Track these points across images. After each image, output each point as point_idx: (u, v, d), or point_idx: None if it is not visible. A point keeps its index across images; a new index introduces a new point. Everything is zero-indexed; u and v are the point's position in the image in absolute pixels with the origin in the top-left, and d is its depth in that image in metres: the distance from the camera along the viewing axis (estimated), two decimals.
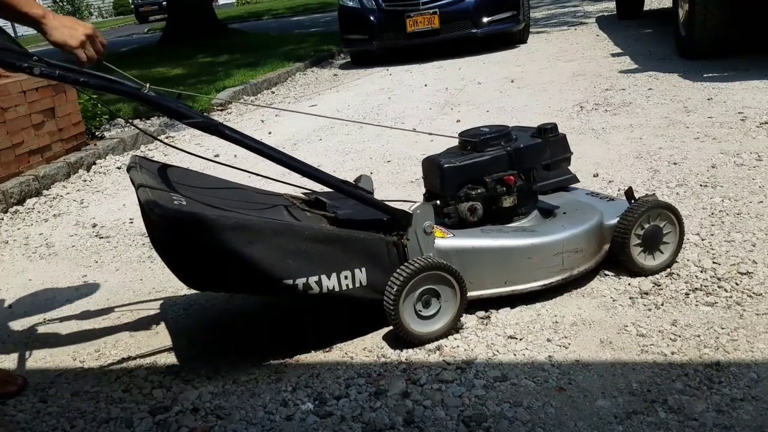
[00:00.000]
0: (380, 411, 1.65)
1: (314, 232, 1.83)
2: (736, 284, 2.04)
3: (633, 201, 2.17)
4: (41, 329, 2.32)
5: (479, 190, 2.08)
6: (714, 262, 2.18)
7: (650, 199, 2.17)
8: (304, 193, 2.25)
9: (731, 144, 3.32)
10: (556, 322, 1.97)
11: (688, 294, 2.03)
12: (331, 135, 4.66)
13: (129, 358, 2.05)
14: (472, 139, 2.15)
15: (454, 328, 1.94)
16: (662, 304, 1.99)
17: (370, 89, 6.35)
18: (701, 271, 2.14)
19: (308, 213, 2.09)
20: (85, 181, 4.25)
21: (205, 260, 1.74)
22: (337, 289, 1.84)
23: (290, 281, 1.78)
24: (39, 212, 3.70)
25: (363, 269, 1.87)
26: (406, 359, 1.87)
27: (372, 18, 7.70)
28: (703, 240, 2.35)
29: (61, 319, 2.38)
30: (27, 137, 4.14)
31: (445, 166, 2.08)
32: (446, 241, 1.98)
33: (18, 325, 2.38)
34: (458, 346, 1.89)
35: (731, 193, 2.72)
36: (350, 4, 8.02)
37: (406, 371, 1.80)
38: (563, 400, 1.62)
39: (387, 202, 2.01)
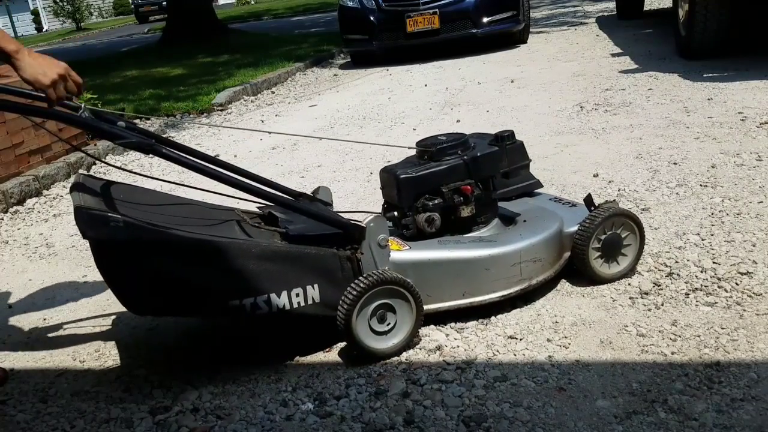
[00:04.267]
0: (380, 411, 1.65)
1: (262, 250, 1.78)
2: (736, 284, 2.04)
3: (593, 208, 2.13)
4: (41, 329, 2.32)
5: (436, 201, 2.05)
6: (714, 262, 2.18)
7: (610, 207, 2.12)
8: (258, 207, 2.20)
9: (731, 144, 3.32)
10: (556, 322, 1.97)
11: (688, 294, 2.03)
12: (332, 135, 4.65)
13: (129, 358, 2.05)
14: (428, 149, 2.11)
15: (412, 342, 1.90)
16: (662, 304, 1.99)
17: (370, 89, 6.35)
18: (701, 271, 2.14)
19: (260, 229, 2.02)
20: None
21: (143, 283, 1.70)
22: (287, 307, 1.80)
23: (236, 302, 1.74)
24: (39, 212, 3.70)
25: (315, 286, 1.82)
26: (406, 359, 1.87)
27: (372, 18, 7.69)
28: (703, 240, 2.35)
29: (61, 319, 2.38)
30: (27, 137, 4.14)
31: (401, 177, 2.05)
32: (402, 253, 1.94)
33: (18, 325, 2.38)
34: (458, 346, 1.90)
35: (731, 193, 2.72)
36: (350, 4, 8.01)
37: (406, 371, 1.80)
38: (563, 400, 1.62)
39: (343, 214, 1.98)
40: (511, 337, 1.91)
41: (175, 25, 11.99)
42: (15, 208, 3.76)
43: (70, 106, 1.80)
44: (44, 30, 37.63)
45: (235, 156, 4.42)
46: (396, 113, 5.09)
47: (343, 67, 8.35)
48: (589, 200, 2.17)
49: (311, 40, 10.78)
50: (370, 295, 1.81)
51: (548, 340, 1.88)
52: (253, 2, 33.68)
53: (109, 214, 1.69)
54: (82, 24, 34.08)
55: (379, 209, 2.23)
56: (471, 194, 2.07)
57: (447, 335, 1.95)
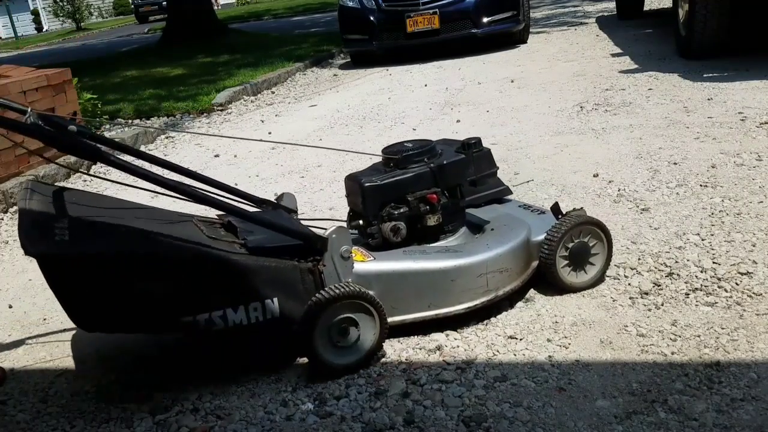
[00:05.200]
0: (380, 411, 1.65)
1: (218, 262, 1.70)
2: (736, 284, 2.04)
3: (560, 217, 2.11)
4: (41, 329, 2.32)
5: (402, 210, 2.02)
6: (714, 262, 2.18)
7: (577, 215, 2.09)
8: (217, 215, 2.11)
9: (731, 144, 3.32)
10: (556, 322, 1.97)
11: (688, 294, 2.03)
12: (331, 135, 4.66)
13: (129, 359, 2.05)
14: (394, 156, 2.08)
15: (376, 356, 1.86)
16: (662, 304, 1.99)
17: (370, 89, 6.35)
18: (701, 271, 2.14)
19: (218, 240, 1.93)
20: (85, 181, 4.25)
21: (91, 298, 1.62)
22: (245, 322, 1.72)
23: (189, 317, 1.66)
24: None
25: (275, 299, 1.75)
26: (406, 359, 1.87)
27: (372, 18, 7.70)
28: (703, 240, 2.35)
29: (61, 319, 2.38)
30: (27, 137, 4.13)
31: (366, 185, 2.01)
32: (366, 265, 1.89)
33: (18, 325, 2.38)
34: (458, 346, 1.89)
35: (731, 193, 2.72)
36: (350, 4, 8.02)
37: (406, 371, 1.80)
38: (563, 400, 1.62)
39: (306, 223, 1.91)
40: (511, 337, 1.91)
41: (175, 25, 11.99)
42: (15, 208, 3.76)
43: (17, 109, 1.71)
44: (44, 30, 37.64)
45: (235, 156, 4.42)
46: (396, 113, 5.09)
47: (343, 67, 8.35)
48: (556, 208, 2.14)
49: (311, 40, 10.78)
50: (332, 310, 1.75)
51: (548, 340, 1.88)
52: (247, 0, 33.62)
53: (54, 225, 1.62)
54: (82, 24, 34.10)
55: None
56: (437, 203, 2.04)
57: (447, 335, 1.95)
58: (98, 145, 1.70)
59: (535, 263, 2.09)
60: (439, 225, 2.08)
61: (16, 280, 2.82)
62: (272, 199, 2.26)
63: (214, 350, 2.00)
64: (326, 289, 1.77)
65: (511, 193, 2.38)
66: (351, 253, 1.85)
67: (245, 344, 1.91)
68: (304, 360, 1.91)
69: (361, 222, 2.07)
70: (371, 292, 1.81)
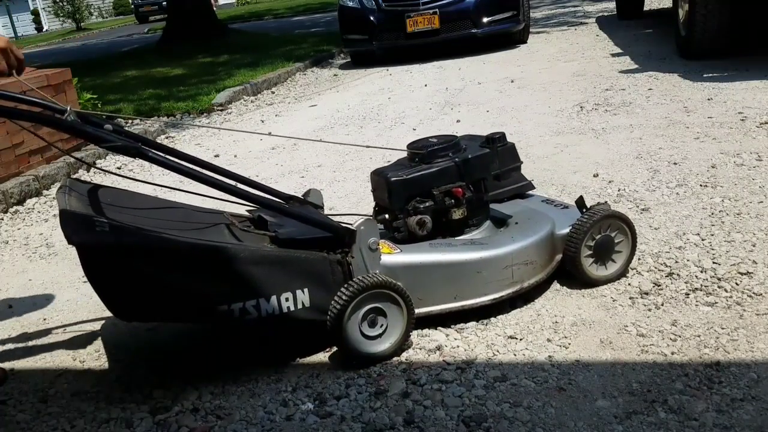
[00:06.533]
0: (380, 411, 1.65)
1: (251, 254, 1.75)
2: (736, 284, 2.04)
3: (584, 210, 2.12)
4: (41, 329, 2.32)
5: (427, 203, 2.05)
6: (714, 262, 2.18)
7: (602, 208, 2.11)
8: (247, 210, 2.17)
9: (731, 144, 3.32)
10: (556, 322, 1.97)
11: (688, 294, 2.03)
12: (331, 135, 4.66)
13: (129, 358, 2.05)
14: (419, 151, 2.11)
15: (403, 346, 1.89)
16: (662, 304, 1.99)
17: (370, 89, 6.35)
18: (701, 271, 2.14)
19: (249, 233, 2.00)
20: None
21: (130, 288, 1.67)
22: (277, 312, 1.78)
23: (225, 306, 1.72)
24: (39, 212, 3.70)
25: (305, 290, 1.80)
26: (406, 359, 1.87)
27: (372, 18, 7.70)
28: (703, 240, 2.35)
29: (61, 319, 2.38)
30: (27, 137, 4.14)
31: (392, 179, 2.04)
32: (393, 257, 1.93)
33: (18, 325, 2.38)
34: (458, 346, 1.90)
35: (731, 193, 2.72)
36: (350, 4, 8.02)
37: (406, 371, 1.80)
38: (563, 400, 1.62)
39: (334, 217, 1.96)
40: (511, 337, 1.91)
41: (175, 25, 11.99)
42: (15, 208, 3.76)
43: (56, 108, 1.77)
44: (44, 30, 37.63)
45: (236, 156, 4.42)
46: (396, 113, 5.09)
47: (343, 67, 8.35)
48: (581, 202, 2.16)
49: (311, 40, 10.78)
50: (361, 299, 1.78)
51: (548, 340, 1.88)
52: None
53: (95, 218, 1.66)
54: (82, 24, 34.10)
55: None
56: (462, 197, 2.07)
57: (447, 335, 1.95)
58: (136, 142, 1.75)
59: (559, 256, 2.12)
60: (464, 218, 2.10)
61: (16, 280, 2.82)
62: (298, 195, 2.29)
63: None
64: (355, 279, 1.80)
65: (533, 188, 2.40)
66: (378, 244, 1.88)
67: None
68: (304, 359, 1.91)
69: (387, 216, 2.10)
70: (399, 283, 1.84)
